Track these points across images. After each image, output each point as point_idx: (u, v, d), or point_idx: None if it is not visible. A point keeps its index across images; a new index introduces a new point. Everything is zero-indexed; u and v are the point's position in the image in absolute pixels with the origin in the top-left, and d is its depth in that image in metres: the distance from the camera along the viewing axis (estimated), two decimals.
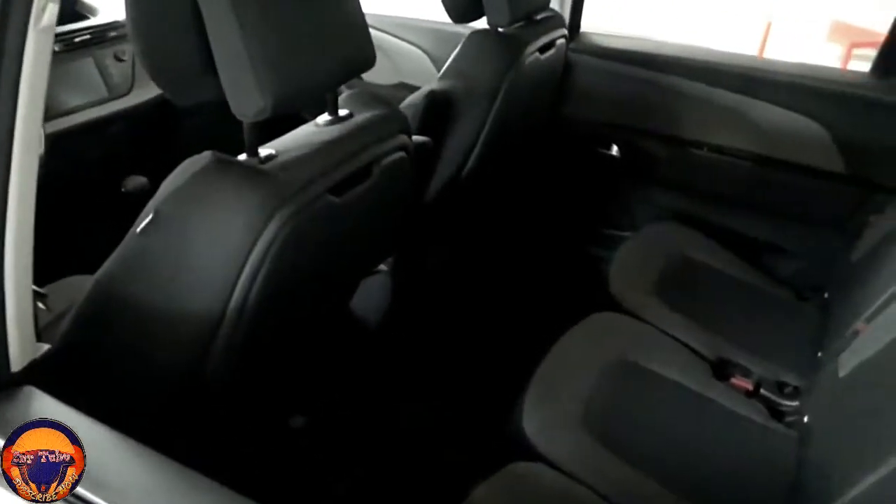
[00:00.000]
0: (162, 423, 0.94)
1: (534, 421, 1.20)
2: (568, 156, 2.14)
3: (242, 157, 0.93)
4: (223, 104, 0.89)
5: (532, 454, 1.15)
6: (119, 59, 1.88)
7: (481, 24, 1.65)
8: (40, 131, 0.83)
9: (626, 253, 1.75)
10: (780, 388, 1.42)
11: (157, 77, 0.88)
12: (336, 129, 1.05)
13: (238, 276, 0.88)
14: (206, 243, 0.88)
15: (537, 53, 1.72)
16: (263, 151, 0.94)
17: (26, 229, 0.80)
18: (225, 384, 1.00)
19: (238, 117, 0.89)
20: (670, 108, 1.95)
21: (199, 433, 1.07)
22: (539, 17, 1.80)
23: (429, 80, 1.69)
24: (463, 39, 1.65)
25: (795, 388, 1.42)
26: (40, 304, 1.04)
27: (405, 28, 2.25)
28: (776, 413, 1.37)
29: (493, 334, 1.85)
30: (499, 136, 1.65)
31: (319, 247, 1.02)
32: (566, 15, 2.01)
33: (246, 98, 0.86)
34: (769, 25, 5.20)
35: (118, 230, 0.93)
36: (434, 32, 2.21)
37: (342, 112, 1.08)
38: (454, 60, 1.64)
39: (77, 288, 0.97)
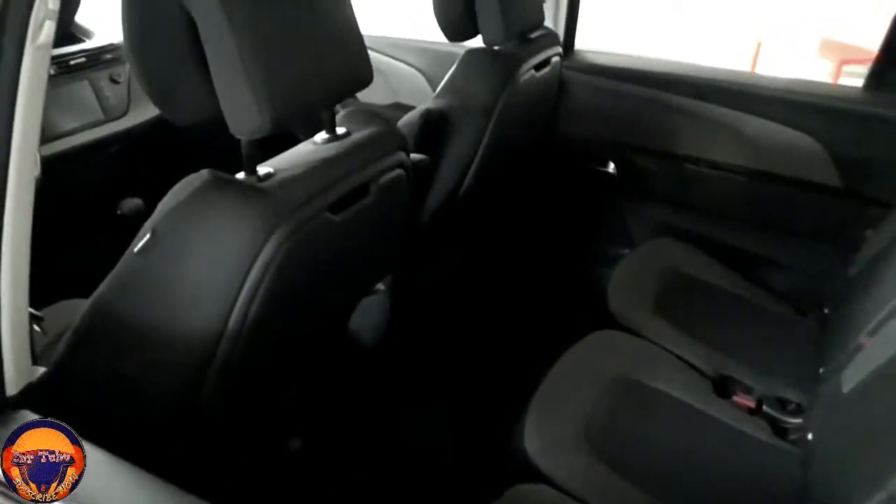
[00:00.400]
0: (158, 445, 0.93)
1: (536, 441, 1.19)
2: (564, 173, 2.15)
3: (240, 175, 0.93)
4: (220, 124, 0.88)
5: (535, 474, 1.14)
6: (115, 82, 1.88)
7: (476, 42, 1.66)
8: (36, 153, 0.82)
9: (624, 270, 1.74)
10: (782, 405, 1.41)
11: (154, 96, 0.88)
12: (334, 147, 1.04)
13: (237, 295, 0.87)
14: (204, 262, 0.87)
15: (532, 71, 1.72)
16: (261, 170, 0.94)
17: (22, 251, 0.79)
18: (222, 405, 0.99)
19: (236, 135, 0.89)
20: (665, 125, 1.95)
21: (195, 454, 1.05)
22: (534, 35, 1.81)
23: (424, 99, 1.70)
24: (458, 58, 1.65)
25: (798, 405, 1.41)
26: (36, 327, 1.03)
27: (400, 48, 2.26)
28: (779, 430, 1.36)
29: (493, 353, 1.84)
30: (495, 153, 1.65)
31: (318, 265, 1.01)
32: (560, 33, 2.03)
33: (244, 116, 0.86)
34: (759, 45, 5.27)
35: (114, 253, 0.92)
36: (429, 52, 2.22)
37: (340, 130, 1.08)
38: (450, 79, 1.64)
39: (73, 311, 0.96)
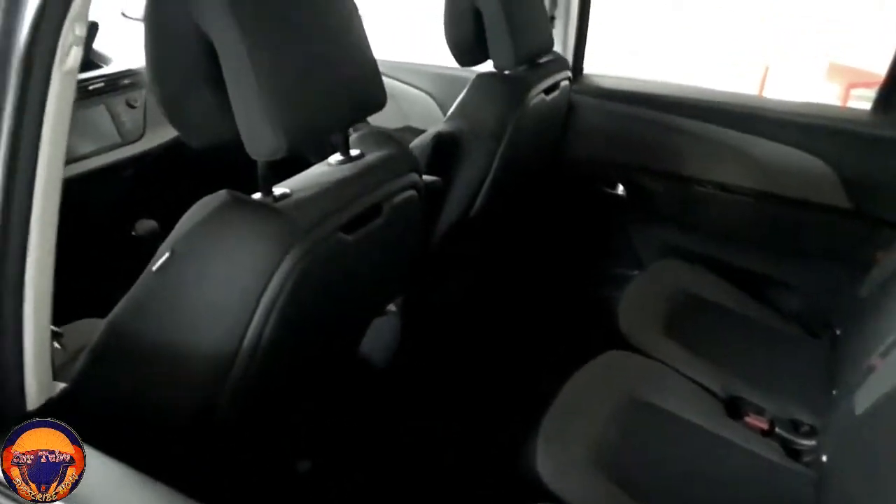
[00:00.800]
0: (173, 461, 0.93)
1: (547, 462, 1.19)
2: (573, 195, 2.16)
3: (257, 195, 0.94)
4: (233, 147, 0.90)
5: (546, 495, 1.14)
6: (131, 106, 1.91)
7: (486, 67, 1.68)
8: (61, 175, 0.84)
9: (634, 291, 1.75)
10: (795, 426, 1.41)
11: (174, 120, 0.90)
12: (348, 169, 1.06)
13: (252, 314, 0.88)
14: (221, 281, 0.89)
15: (542, 95, 1.75)
16: (277, 190, 0.95)
17: (46, 270, 0.81)
18: (235, 422, 0.99)
19: (253, 157, 0.90)
20: (674, 147, 1.97)
21: (206, 466, 1.06)
22: (543, 59, 1.83)
23: (435, 123, 1.72)
24: (468, 83, 1.68)
25: (811, 426, 1.40)
26: (56, 344, 1.04)
27: (411, 72, 2.29)
28: (793, 452, 1.35)
29: (504, 374, 1.84)
30: (506, 176, 1.66)
31: (331, 285, 1.02)
32: (569, 58, 2.05)
33: (261, 138, 0.88)
34: (767, 69, 5.29)
35: (129, 274, 0.94)
36: (439, 77, 2.25)
37: (353, 152, 1.10)
38: (460, 102, 1.67)
39: (91, 329, 0.97)
